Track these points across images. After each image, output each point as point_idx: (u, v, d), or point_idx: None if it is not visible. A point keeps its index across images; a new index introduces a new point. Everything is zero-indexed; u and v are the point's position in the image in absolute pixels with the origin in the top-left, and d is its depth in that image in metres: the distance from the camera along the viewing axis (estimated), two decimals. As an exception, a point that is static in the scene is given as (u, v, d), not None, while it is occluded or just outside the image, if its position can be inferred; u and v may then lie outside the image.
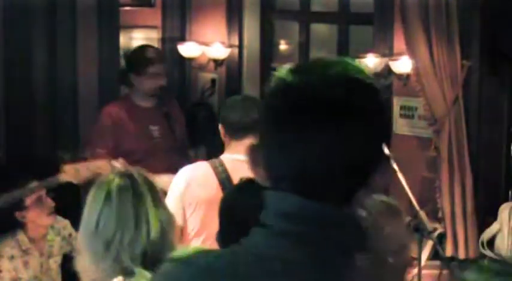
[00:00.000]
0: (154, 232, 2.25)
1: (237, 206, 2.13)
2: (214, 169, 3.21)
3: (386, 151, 1.18)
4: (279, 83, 1.18)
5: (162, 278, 1.27)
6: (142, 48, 4.77)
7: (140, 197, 2.28)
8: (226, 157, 3.25)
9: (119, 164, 3.86)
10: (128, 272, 2.23)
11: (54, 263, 3.82)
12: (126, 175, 2.33)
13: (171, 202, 3.17)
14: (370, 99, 1.17)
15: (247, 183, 2.28)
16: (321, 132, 1.13)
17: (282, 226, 1.17)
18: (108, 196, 2.27)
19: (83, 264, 2.33)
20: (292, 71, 1.18)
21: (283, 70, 1.19)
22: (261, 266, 1.16)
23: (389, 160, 1.16)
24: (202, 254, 1.24)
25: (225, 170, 3.20)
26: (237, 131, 3.23)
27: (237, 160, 3.19)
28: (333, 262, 1.17)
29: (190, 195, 3.21)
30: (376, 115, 1.17)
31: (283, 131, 1.15)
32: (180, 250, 1.33)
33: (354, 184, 1.17)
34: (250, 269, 1.17)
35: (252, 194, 2.10)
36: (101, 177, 2.40)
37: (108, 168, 3.78)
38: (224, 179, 3.17)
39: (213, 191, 3.10)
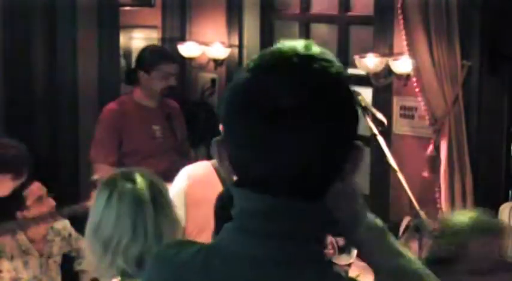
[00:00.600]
0: (151, 237, 2.25)
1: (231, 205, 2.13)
2: (216, 168, 3.21)
3: (358, 142, 1.19)
4: (244, 83, 1.15)
5: (143, 278, 1.28)
6: (155, 46, 4.76)
7: (140, 202, 2.28)
8: None
9: None
10: (126, 274, 2.23)
11: (54, 263, 3.82)
12: (129, 179, 2.32)
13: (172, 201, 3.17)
14: (342, 93, 1.16)
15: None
16: (295, 132, 1.11)
17: (253, 224, 1.16)
18: (109, 198, 2.28)
19: (87, 263, 2.35)
20: (257, 69, 1.15)
21: (248, 67, 1.16)
22: (232, 265, 1.16)
23: (359, 148, 1.15)
24: (179, 251, 1.23)
25: None
26: None
27: None
28: (312, 259, 1.16)
29: (192, 194, 3.21)
30: (348, 108, 1.16)
31: (253, 131, 1.12)
32: (166, 245, 1.33)
33: (330, 178, 1.16)
34: (221, 268, 1.16)
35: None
36: (104, 179, 2.39)
37: None
38: (226, 178, 3.17)
39: (215, 190, 3.08)
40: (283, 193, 1.13)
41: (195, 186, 3.22)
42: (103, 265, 2.26)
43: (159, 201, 2.32)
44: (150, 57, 4.50)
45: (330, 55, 1.18)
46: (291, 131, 1.11)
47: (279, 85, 1.12)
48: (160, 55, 4.51)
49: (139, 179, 2.33)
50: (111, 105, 4.52)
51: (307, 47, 1.16)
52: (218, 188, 3.13)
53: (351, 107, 1.16)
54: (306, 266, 1.15)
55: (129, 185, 2.30)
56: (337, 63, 1.17)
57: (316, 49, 1.17)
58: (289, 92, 1.11)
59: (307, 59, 1.15)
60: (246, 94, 1.14)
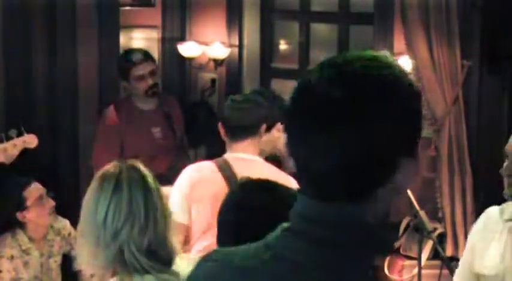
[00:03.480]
0: (160, 225, 2.26)
1: (231, 209, 2.12)
2: (219, 166, 3.21)
3: (415, 150, 1.19)
4: (303, 80, 1.18)
5: (197, 277, 1.29)
6: (124, 53, 4.77)
7: (149, 189, 2.29)
8: (229, 156, 3.26)
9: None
10: (127, 266, 2.21)
11: (54, 263, 3.82)
12: (133, 168, 2.33)
13: (176, 201, 3.17)
14: (391, 97, 1.16)
15: (240, 185, 2.27)
16: (338, 131, 1.12)
17: (299, 227, 1.18)
18: (117, 187, 2.27)
19: (83, 257, 2.33)
20: (319, 67, 1.17)
21: (316, 66, 1.19)
22: (275, 267, 1.18)
23: (416, 159, 1.15)
24: (228, 251, 1.27)
25: (229, 168, 3.20)
26: (237, 134, 3.24)
27: (240, 158, 3.20)
28: (355, 266, 1.17)
29: (197, 192, 3.20)
30: (398, 112, 1.17)
31: (304, 128, 1.15)
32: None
33: (371, 181, 1.15)
34: (267, 269, 1.18)
35: (245, 197, 2.08)
36: (104, 171, 2.38)
37: (35, 141, 3.82)
38: (229, 176, 3.16)
39: (219, 187, 3.08)
40: (332, 195, 1.15)
41: (198, 184, 3.21)
42: (108, 254, 2.23)
43: (160, 190, 2.34)
44: (121, 66, 4.56)
45: (389, 59, 1.19)
46: (337, 127, 1.12)
47: (307, 89, 1.15)
48: (128, 61, 4.51)
49: (143, 168, 2.34)
50: (111, 110, 4.52)
51: (364, 53, 1.18)
52: (222, 184, 3.12)
53: (406, 111, 1.19)
54: (349, 275, 1.16)
55: (136, 174, 2.30)
56: (398, 67, 1.18)
57: (375, 54, 1.18)
58: (314, 96, 1.14)
59: (358, 60, 1.16)
60: (300, 92, 1.17)
